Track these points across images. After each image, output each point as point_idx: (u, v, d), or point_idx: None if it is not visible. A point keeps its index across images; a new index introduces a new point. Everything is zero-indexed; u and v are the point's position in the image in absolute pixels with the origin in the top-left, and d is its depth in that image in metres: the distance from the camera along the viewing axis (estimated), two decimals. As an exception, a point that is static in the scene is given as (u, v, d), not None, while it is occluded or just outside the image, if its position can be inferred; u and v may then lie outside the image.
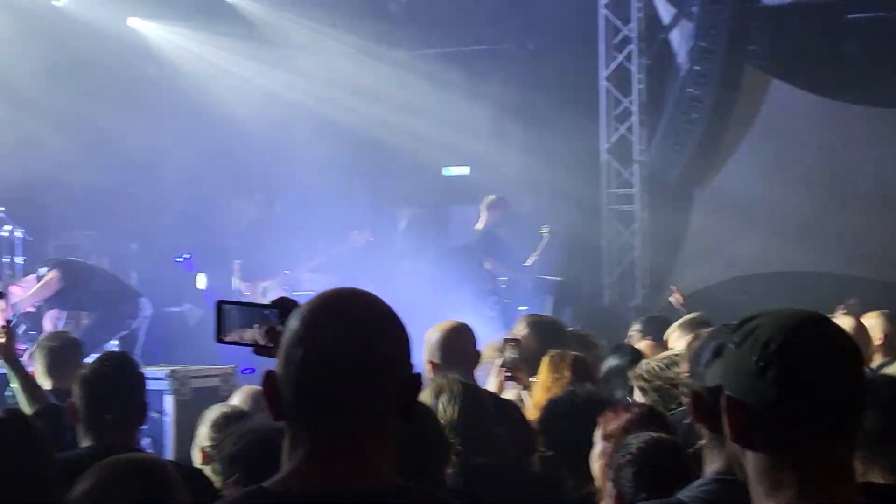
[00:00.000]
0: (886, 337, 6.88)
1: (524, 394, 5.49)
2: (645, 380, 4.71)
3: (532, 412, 5.05)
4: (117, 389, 4.27)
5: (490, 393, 5.11)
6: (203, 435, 4.56)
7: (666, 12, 13.40)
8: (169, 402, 8.49)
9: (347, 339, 1.96)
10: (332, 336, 1.97)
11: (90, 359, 4.93)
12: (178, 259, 12.46)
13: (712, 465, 2.74)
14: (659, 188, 13.45)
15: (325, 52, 14.17)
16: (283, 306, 2.23)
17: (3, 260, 11.17)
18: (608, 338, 8.01)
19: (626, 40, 13.39)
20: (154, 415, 8.19)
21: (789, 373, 1.83)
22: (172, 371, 8.61)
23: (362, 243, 12.82)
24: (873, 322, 6.86)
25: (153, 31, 14.25)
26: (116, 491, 2.57)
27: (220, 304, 2.40)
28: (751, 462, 1.88)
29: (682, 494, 2.74)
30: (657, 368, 4.70)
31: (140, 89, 14.03)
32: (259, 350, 2.29)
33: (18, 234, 11.29)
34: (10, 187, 11.61)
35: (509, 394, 5.58)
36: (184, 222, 13.11)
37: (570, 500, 4.25)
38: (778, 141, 13.29)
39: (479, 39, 14.71)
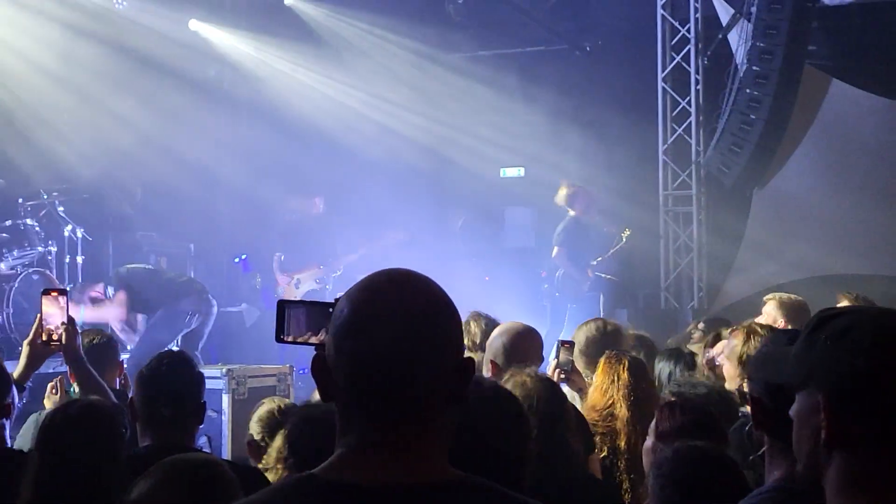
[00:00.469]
0: None
1: (577, 396, 5.46)
2: None
3: (587, 413, 5.03)
4: (175, 388, 4.30)
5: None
6: (252, 428, 4.60)
7: (724, 12, 13.30)
8: (226, 401, 8.54)
9: (398, 326, 1.91)
10: (382, 322, 1.92)
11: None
12: (235, 260, 12.56)
13: (774, 473, 2.66)
14: (716, 189, 13.36)
15: (383, 56, 14.22)
16: None
17: (65, 260, 11.29)
18: (664, 340, 7.99)
19: (684, 41, 13.32)
20: (211, 414, 8.26)
21: None
22: (229, 370, 8.66)
23: (397, 242, 12.84)
24: None
25: (214, 33, 14.36)
26: (175, 491, 2.58)
27: (282, 304, 2.38)
28: (838, 467, 1.83)
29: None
30: None
31: (200, 91, 14.14)
32: (323, 349, 2.28)
33: (79, 233, 11.41)
34: (71, 187, 11.74)
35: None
36: (241, 223, 13.20)
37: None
38: (836, 141, 13.15)
39: (535, 41, 14.70)
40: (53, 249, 11.17)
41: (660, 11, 13.40)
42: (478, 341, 5.78)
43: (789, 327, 6.00)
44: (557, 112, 14.42)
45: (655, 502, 3.23)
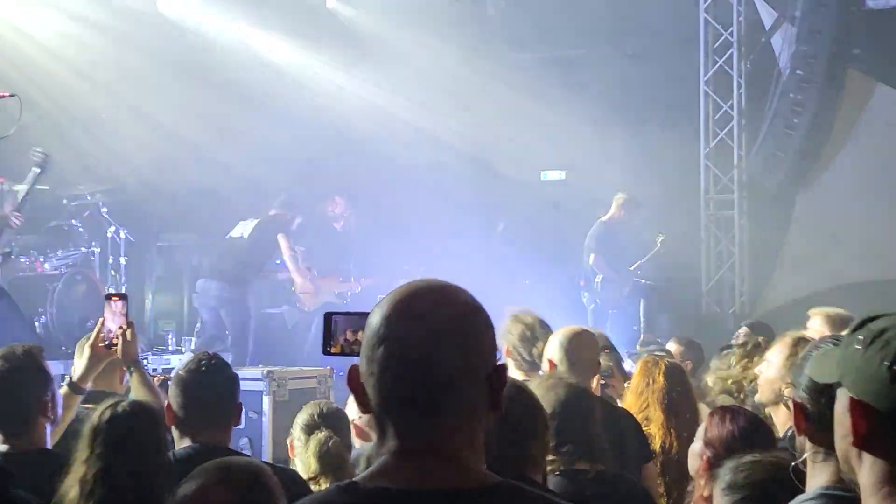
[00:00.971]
0: None
1: (618, 402, 5.45)
2: None
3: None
4: (210, 390, 4.33)
5: (602, 399, 5.07)
6: (295, 431, 4.61)
7: (767, 16, 13.22)
8: (266, 403, 8.56)
9: (430, 334, 1.93)
10: (414, 333, 1.93)
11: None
12: (277, 262, 12.59)
13: (817, 480, 2.62)
14: (759, 194, 13.27)
15: (424, 60, 14.23)
16: None
17: (108, 260, 11.39)
18: (705, 344, 7.96)
19: (727, 44, 13.25)
20: (252, 415, 8.29)
21: None
22: (270, 372, 8.69)
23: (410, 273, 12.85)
24: None
25: (257, 37, 14.43)
26: (220, 494, 2.60)
27: (329, 316, 2.37)
28: (869, 468, 1.82)
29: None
30: None
31: (242, 95, 14.22)
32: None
33: (122, 234, 11.50)
34: (114, 189, 11.84)
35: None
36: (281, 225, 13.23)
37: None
38: (881, 145, 13.02)
39: (576, 44, 14.66)
40: (97, 250, 11.28)
41: (702, 15, 13.33)
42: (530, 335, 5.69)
43: None
44: (599, 115, 14.38)
45: None
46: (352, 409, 4.76)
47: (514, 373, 5.23)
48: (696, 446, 3.87)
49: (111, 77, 12.44)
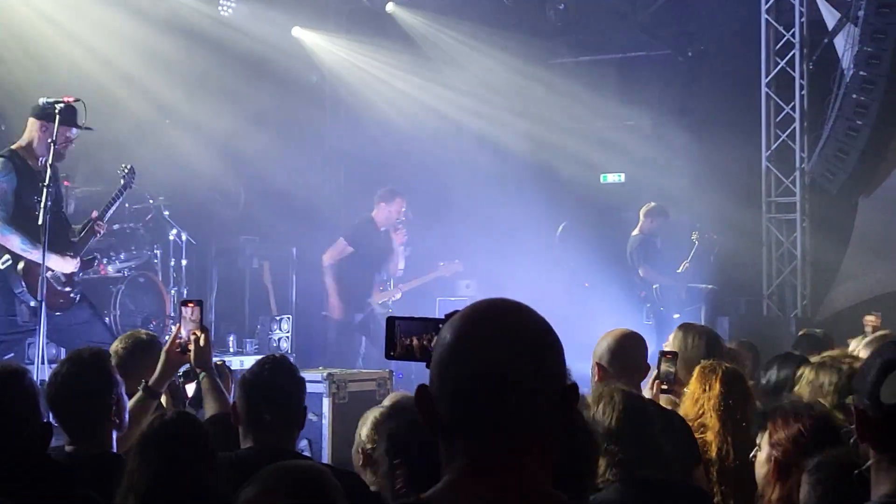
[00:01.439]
0: None
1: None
2: None
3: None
4: (276, 392, 4.36)
5: (655, 404, 5.04)
6: (364, 436, 4.61)
7: (830, 17, 13.05)
8: (326, 405, 8.61)
9: (502, 353, 1.91)
10: (488, 352, 1.91)
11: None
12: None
13: (880, 488, 2.55)
14: (821, 197, 13.13)
15: (482, 63, 14.25)
16: None
17: (170, 263, 11.49)
18: (768, 349, 7.88)
19: (789, 46, 13.12)
20: (312, 417, 8.33)
21: None
22: (330, 374, 8.74)
23: (451, 274, 12.80)
24: None
25: (316, 40, 14.52)
26: (281, 498, 2.62)
27: (391, 321, 2.38)
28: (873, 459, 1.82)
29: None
30: None
31: (302, 97, 14.32)
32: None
33: (184, 237, 11.60)
34: (176, 193, 11.95)
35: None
36: (341, 228, 13.30)
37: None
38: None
39: (636, 46, 14.61)
40: (159, 252, 11.39)
41: (764, 16, 13.22)
42: None
43: None
44: (658, 118, 14.32)
45: None
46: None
47: None
48: (763, 453, 3.83)
49: (172, 80, 12.56)
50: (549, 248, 14.29)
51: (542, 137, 14.35)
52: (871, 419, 2.47)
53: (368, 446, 4.50)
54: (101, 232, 8.45)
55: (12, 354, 8.26)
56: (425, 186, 13.99)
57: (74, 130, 8.06)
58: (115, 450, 4.29)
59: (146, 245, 11.19)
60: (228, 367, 5.44)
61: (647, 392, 5.46)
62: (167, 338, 10.48)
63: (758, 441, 3.95)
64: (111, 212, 8.63)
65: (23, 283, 7.93)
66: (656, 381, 5.37)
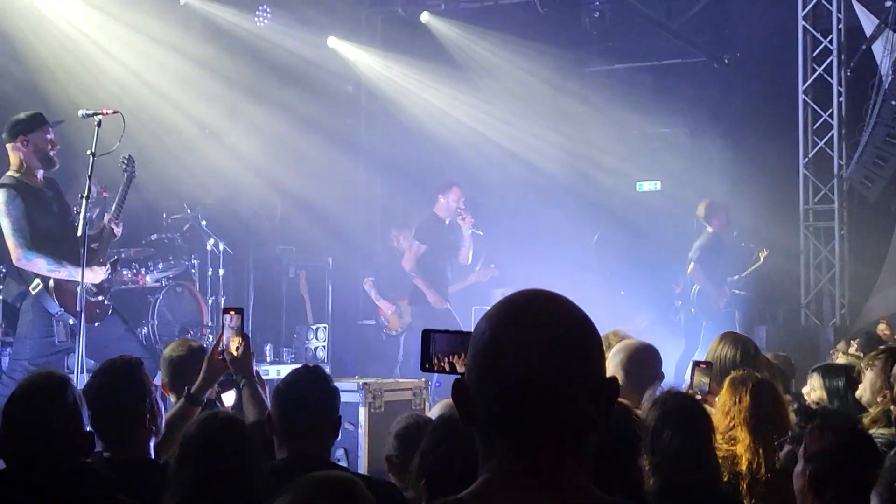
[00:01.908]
0: None
1: None
2: None
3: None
4: (310, 402, 4.37)
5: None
6: (389, 443, 4.64)
7: (868, 23, 12.96)
8: (362, 415, 8.64)
9: (542, 347, 1.86)
10: (527, 344, 1.86)
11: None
12: (370, 278, 12.76)
13: None
14: (860, 204, 13.03)
15: (518, 72, 14.25)
16: None
17: (207, 272, 11.56)
18: (805, 358, 7.84)
19: (826, 52, 13.05)
20: (348, 427, 8.37)
21: None
22: (366, 384, 8.77)
23: (488, 279, 12.81)
24: None
25: (351, 51, 14.58)
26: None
27: (427, 333, 2.37)
28: None
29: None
30: None
31: (337, 107, 14.38)
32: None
33: (221, 247, 11.67)
34: (213, 202, 12.03)
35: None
36: (376, 238, 13.36)
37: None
38: None
39: (671, 53, 14.56)
40: (196, 262, 11.46)
41: (801, 23, 13.14)
42: None
43: None
44: (694, 125, 14.27)
45: None
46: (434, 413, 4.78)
47: None
48: (798, 466, 3.82)
49: (211, 90, 12.65)
50: (585, 257, 14.26)
51: (577, 146, 14.34)
52: None
53: (393, 453, 4.53)
54: (119, 232, 8.45)
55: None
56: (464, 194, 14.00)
57: (50, 131, 8.09)
58: (151, 456, 4.34)
59: (184, 255, 11.26)
60: (261, 377, 5.48)
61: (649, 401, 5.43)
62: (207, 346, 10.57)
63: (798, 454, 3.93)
64: (122, 208, 8.58)
65: (57, 303, 7.98)
66: (690, 391, 5.33)
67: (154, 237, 11.15)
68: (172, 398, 5.33)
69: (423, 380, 9.27)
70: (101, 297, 8.32)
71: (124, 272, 10.17)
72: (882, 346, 6.62)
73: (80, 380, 7.09)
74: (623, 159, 14.40)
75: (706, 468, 4.19)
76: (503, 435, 1.90)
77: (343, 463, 7.94)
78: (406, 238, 12.74)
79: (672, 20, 13.66)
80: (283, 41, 13.55)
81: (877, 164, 12.62)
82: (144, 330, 10.32)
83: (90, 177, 7.80)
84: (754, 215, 13.28)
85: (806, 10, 13.12)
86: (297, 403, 4.35)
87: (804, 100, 13.19)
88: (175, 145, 12.10)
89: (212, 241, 11.62)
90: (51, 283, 7.97)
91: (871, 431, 4.92)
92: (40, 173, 8.04)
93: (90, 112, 7.99)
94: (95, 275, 8.15)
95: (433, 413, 5.32)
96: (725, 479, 4.70)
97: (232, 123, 13.00)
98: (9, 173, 8.01)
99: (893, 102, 12.33)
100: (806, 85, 13.17)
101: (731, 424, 4.82)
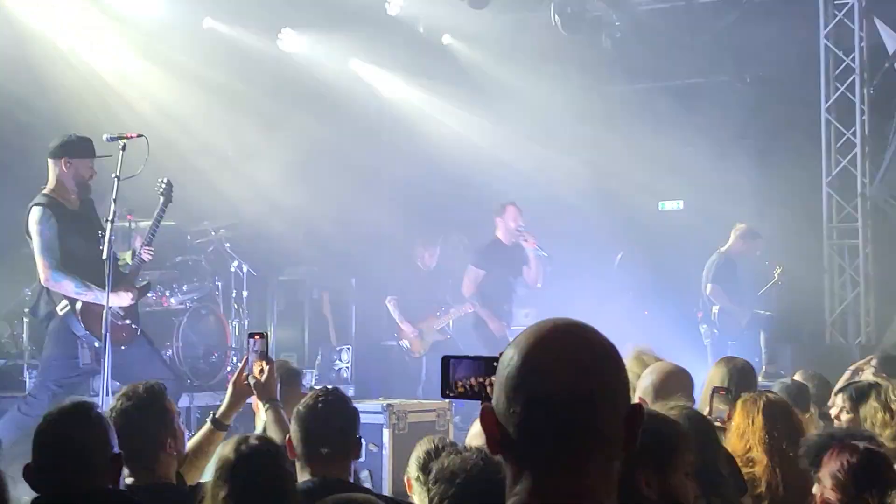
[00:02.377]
0: None
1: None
2: None
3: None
4: (331, 425, 4.40)
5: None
6: (410, 466, 4.65)
7: (891, 41, 12.95)
8: (386, 436, 8.64)
9: (571, 373, 1.90)
10: (554, 370, 1.90)
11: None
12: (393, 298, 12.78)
13: None
14: (884, 222, 12.99)
15: (539, 91, 14.26)
16: None
17: (231, 294, 11.59)
18: (831, 377, 7.79)
19: (848, 71, 13.02)
20: (372, 448, 8.37)
21: None
22: (389, 405, 8.77)
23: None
24: None
25: (373, 72, 14.63)
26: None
27: (447, 360, 2.37)
28: None
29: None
30: None
31: (358, 129, 14.43)
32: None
33: (245, 268, 11.70)
34: (236, 224, 12.07)
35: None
36: (399, 258, 13.36)
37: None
38: None
39: (694, 72, 14.56)
40: (220, 284, 11.49)
41: (823, 41, 13.13)
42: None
43: None
44: (717, 144, 14.24)
45: None
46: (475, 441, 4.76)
47: None
48: (817, 486, 3.81)
49: (233, 113, 12.72)
50: (608, 277, 14.24)
51: (599, 166, 14.33)
52: None
53: (413, 475, 4.54)
54: (149, 257, 8.50)
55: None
56: (484, 217, 14.00)
57: (94, 161, 8.18)
58: (174, 480, 4.35)
59: (208, 277, 11.29)
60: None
61: None
62: (228, 369, 10.60)
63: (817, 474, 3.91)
64: (156, 232, 8.63)
65: (83, 325, 8.02)
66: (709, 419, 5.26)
67: (178, 259, 11.19)
68: (259, 415, 5.38)
69: (447, 401, 9.27)
70: (128, 321, 8.36)
71: (149, 294, 10.21)
72: None
73: (105, 402, 7.13)
74: (645, 179, 14.38)
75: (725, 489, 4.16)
76: (531, 460, 1.92)
77: (368, 484, 7.92)
78: (432, 255, 12.78)
79: (694, 39, 13.65)
80: (306, 63, 13.62)
81: (901, 183, 12.59)
82: (168, 352, 10.34)
83: (115, 200, 7.85)
84: (779, 234, 13.24)
85: (828, 29, 13.11)
86: (318, 427, 4.37)
87: (827, 118, 13.17)
88: (198, 168, 12.15)
89: (235, 262, 11.66)
90: (78, 305, 8.02)
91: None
92: (75, 195, 8.12)
93: (114, 136, 8.05)
94: (122, 299, 8.19)
95: (471, 432, 5.27)
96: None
97: (255, 146, 13.06)
98: (45, 191, 8.11)
99: (916, 120, 12.31)
100: (829, 103, 13.15)
101: (748, 447, 4.78)
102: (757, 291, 12.77)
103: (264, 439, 3.96)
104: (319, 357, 12.36)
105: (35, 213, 7.97)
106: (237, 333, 11.37)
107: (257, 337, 5.10)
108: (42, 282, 8.08)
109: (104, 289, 7.68)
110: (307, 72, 13.58)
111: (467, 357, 2.41)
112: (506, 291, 11.97)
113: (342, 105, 14.03)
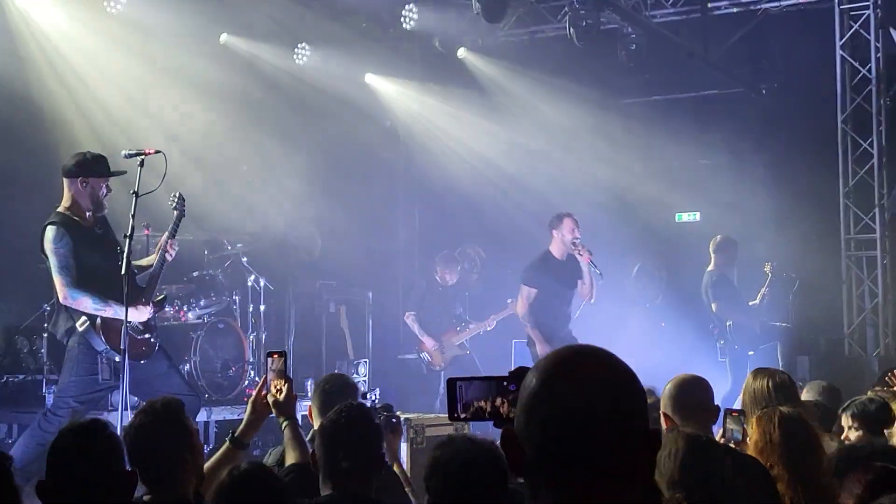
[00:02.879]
0: None
1: None
2: None
3: None
4: (353, 439, 4.41)
5: (727, 447, 4.95)
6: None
7: (907, 51, 12.93)
8: (404, 450, 8.63)
9: (588, 398, 1.92)
10: (574, 392, 1.93)
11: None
12: (411, 312, 12.78)
13: None
14: (902, 233, 12.95)
15: (554, 104, 14.27)
16: (521, 376, 2.13)
17: (248, 308, 11.62)
18: (849, 390, 7.76)
19: (865, 81, 12.99)
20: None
21: None
22: (407, 419, 8.76)
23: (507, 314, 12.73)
24: None
25: (388, 86, 14.66)
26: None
27: (453, 382, 2.36)
28: None
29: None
30: None
31: (375, 143, 14.45)
32: (501, 423, 2.26)
33: (262, 283, 11.74)
34: (253, 239, 12.10)
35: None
36: (416, 271, 13.38)
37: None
38: None
39: (709, 84, 14.54)
40: (237, 298, 11.52)
41: (839, 52, 13.10)
42: None
43: None
44: (733, 155, 14.23)
45: None
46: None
47: None
48: (840, 501, 3.80)
49: (250, 129, 12.77)
50: (624, 289, 14.22)
51: (615, 178, 14.32)
52: None
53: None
54: (173, 254, 8.49)
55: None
56: (499, 229, 14.03)
57: (109, 179, 8.21)
58: (191, 498, 4.35)
59: (225, 291, 11.32)
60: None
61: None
62: (246, 384, 10.61)
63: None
64: (175, 234, 8.64)
65: (104, 341, 8.04)
66: (722, 441, 5.17)
67: (195, 274, 11.21)
68: (315, 423, 5.40)
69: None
70: (147, 335, 8.37)
71: (166, 309, 10.24)
72: None
73: (123, 417, 7.15)
74: (662, 190, 14.37)
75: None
76: (550, 481, 1.94)
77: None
78: (452, 273, 12.77)
79: (710, 51, 13.64)
80: (322, 78, 13.66)
81: (918, 193, 12.55)
82: (186, 366, 10.38)
83: (133, 216, 7.88)
84: (796, 245, 13.21)
85: (844, 40, 13.08)
86: (340, 442, 4.38)
87: (843, 129, 13.13)
88: (215, 183, 12.20)
89: (252, 276, 11.69)
90: (98, 320, 8.04)
91: None
92: (90, 213, 8.15)
93: (133, 152, 8.08)
94: (140, 314, 8.21)
95: None
96: None
97: (272, 160, 13.10)
98: (59, 209, 8.13)
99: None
100: (845, 114, 13.12)
101: (769, 464, 4.71)
102: (756, 294, 12.79)
103: (256, 464, 3.97)
104: (336, 371, 12.36)
105: (49, 233, 8.01)
106: (254, 347, 11.39)
107: (276, 356, 5.11)
108: (60, 300, 8.10)
109: (122, 303, 7.71)
110: (322, 87, 13.62)
111: (476, 378, 2.39)
112: (561, 308, 11.38)
113: (358, 118, 14.07)
